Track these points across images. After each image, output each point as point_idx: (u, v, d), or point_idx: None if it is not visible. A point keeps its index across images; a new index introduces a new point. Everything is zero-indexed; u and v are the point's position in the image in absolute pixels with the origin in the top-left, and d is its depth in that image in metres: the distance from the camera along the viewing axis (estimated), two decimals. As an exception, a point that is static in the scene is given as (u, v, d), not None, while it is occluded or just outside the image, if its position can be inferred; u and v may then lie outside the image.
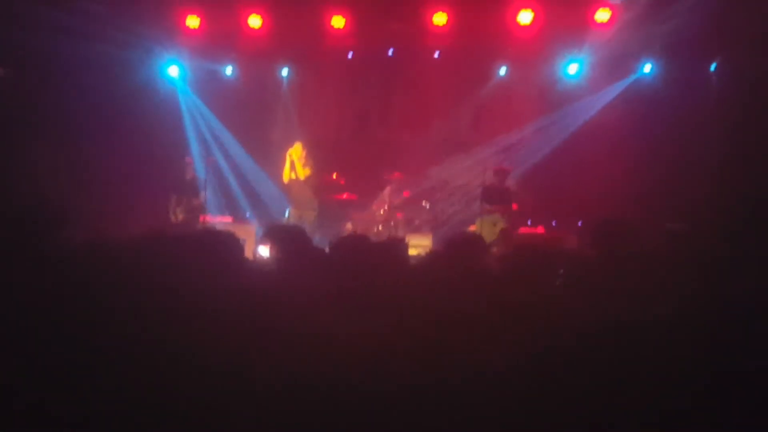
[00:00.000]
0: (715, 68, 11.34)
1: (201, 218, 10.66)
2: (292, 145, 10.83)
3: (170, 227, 9.97)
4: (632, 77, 11.69)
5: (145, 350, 2.62)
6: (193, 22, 11.18)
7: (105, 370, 2.57)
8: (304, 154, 10.69)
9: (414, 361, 2.70)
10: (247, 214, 12.09)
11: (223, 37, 11.53)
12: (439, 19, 10.86)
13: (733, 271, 3.73)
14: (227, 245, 3.71)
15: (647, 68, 11.59)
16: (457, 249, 3.93)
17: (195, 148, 12.23)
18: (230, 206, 12.15)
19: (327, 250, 3.96)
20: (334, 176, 11.89)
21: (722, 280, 3.63)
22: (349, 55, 12.01)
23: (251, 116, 12.39)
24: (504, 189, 10.77)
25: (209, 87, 12.42)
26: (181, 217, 10.59)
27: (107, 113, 10.81)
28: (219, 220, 11.20)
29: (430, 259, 4.10)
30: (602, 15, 10.69)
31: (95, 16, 10.38)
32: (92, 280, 3.11)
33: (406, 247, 4.09)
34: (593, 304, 3.28)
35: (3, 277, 3.06)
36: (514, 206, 10.71)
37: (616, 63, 11.55)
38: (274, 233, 4.04)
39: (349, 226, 11.44)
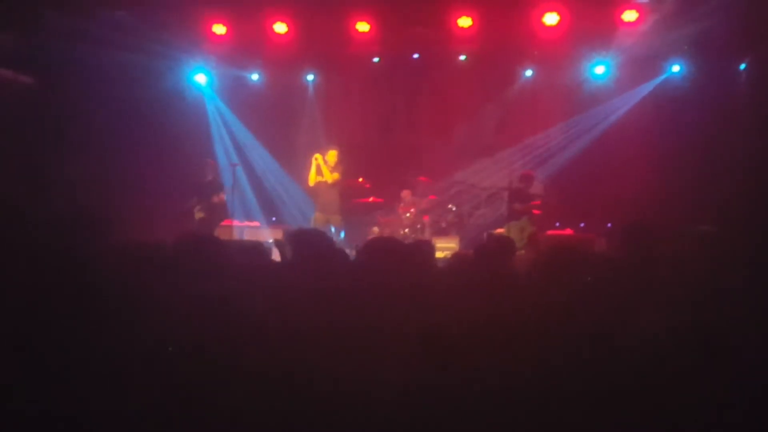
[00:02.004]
0: (745, 68, 11.19)
1: (227, 221, 10.71)
2: (318, 150, 10.86)
3: (191, 228, 9.98)
4: (660, 78, 11.59)
5: (177, 353, 2.65)
6: (219, 29, 11.27)
7: (138, 372, 2.60)
8: (336, 159, 10.68)
9: (441, 363, 2.70)
10: (273, 219, 12.15)
11: (249, 44, 11.61)
12: (464, 22, 10.83)
13: (764, 274, 3.68)
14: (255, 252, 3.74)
15: (675, 68, 11.48)
16: (488, 252, 3.91)
17: (222, 153, 12.33)
18: (257, 211, 12.24)
19: (354, 253, 3.97)
20: (360, 180, 11.91)
21: (753, 282, 3.58)
22: (375, 60, 12.04)
23: (277, 122, 12.48)
24: (530, 194, 10.72)
25: (236, 93, 12.53)
26: (200, 215, 10.56)
27: (135, 121, 10.93)
28: (246, 225, 11.29)
29: (460, 261, 4.09)
30: (629, 15, 10.59)
31: (122, 25, 10.51)
32: (124, 283, 3.15)
33: (433, 249, 4.09)
34: (623, 306, 3.25)
35: (40, 282, 3.10)
36: (536, 212, 10.63)
37: (644, 64, 11.45)
38: (295, 237, 4.06)
39: (375, 229, 11.47)
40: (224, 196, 10.73)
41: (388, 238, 4.40)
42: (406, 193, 11.62)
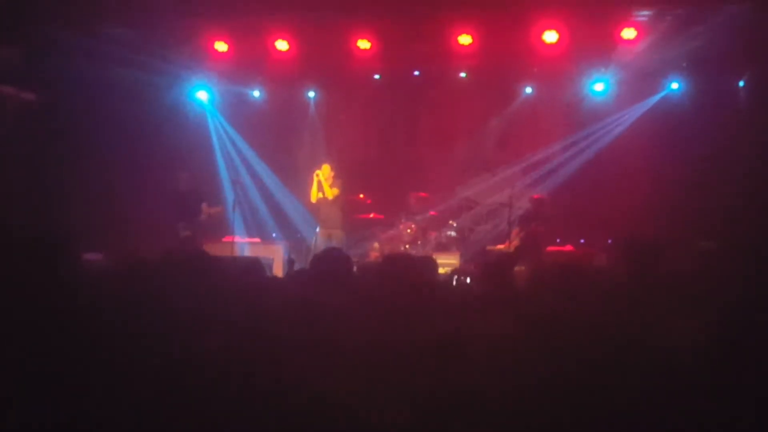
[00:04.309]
0: (744, 84, 11.24)
1: (228, 238, 10.71)
2: (319, 167, 10.91)
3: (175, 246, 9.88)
4: (660, 95, 11.65)
5: (164, 373, 2.65)
6: (221, 46, 11.33)
7: (119, 392, 2.60)
8: (332, 174, 10.77)
9: (442, 378, 2.70)
10: (274, 235, 12.16)
11: (250, 61, 11.67)
12: (464, 39, 10.89)
13: (765, 290, 3.69)
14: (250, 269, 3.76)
15: (674, 86, 11.54)
16: (490, 267, 3.93)
17: (223, 170, 12.37)
18: (258, 227, 12.25)
19: (355, 269, 3.99)
20: (361, 196, 11.95)
21: (753, 298, 3.59)
22: (375, 77, 12.10)
23: (279, 138, 12.53)
24: (542, 217, 10.80)
25: (237, 110, 12.59)
26: (186, 234, 10.43)
27: (136, 138, 10.96)
28: (247, 241, 11.29)
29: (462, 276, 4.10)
30: (628, 33, 10.65)
31: (124, 41, 10.57)
32: (113, 299, 3.16)
33: (436, 265, 4.10)
34: (623, 322, 3.26)
35: (26, 298, 3.11)
36: (535, 228, 10.69)
37: (643, 81, 11.52)
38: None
39: (376, 245, 11.49)
40: (216, 211, 10.69)
41: (388, 257, 4.42)
42: (414, 210, 11.68)
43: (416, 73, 12.13)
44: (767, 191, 9.79)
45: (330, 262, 3.82)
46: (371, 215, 11.81)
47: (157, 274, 3.66)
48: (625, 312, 3.48)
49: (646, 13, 10.46)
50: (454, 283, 4.41)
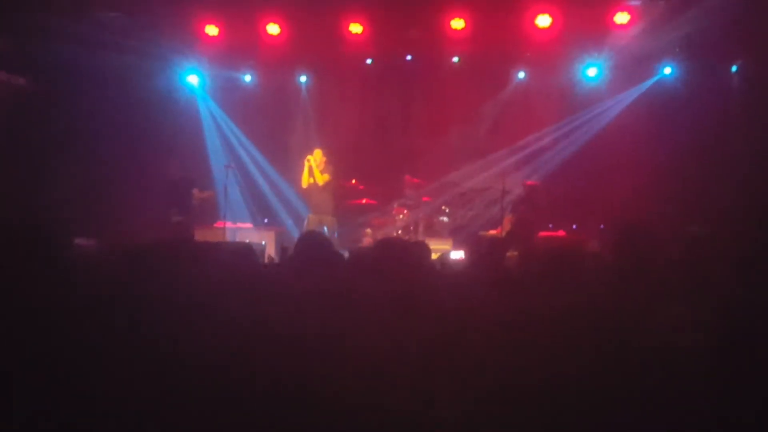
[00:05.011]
0: (737, 69, 11.23)
1: (219, 223, 10.68)
2: (311, 152, 10.87)
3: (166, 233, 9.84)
4: (652, 79, 11.62)
5: (157, 359, 2.64)
6: (212, 30, 11.25)
7: (114, 377, 2.59)
8: (324, 160, 10.74)
9: (437, 364, 2.69)
10: (266, 220, 12.13)
11: (242, 45, 11.60)
12: (457, 24, 10.84)
13: (756, 276, 3.70)
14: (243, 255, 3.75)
15: (667, 70, 11.52)
16: (482, 252, 3.92)
17: (214, 155, 12.30)
18: (250, 212, 12.22)
19: (347, 255, 3.97)
20: (354, 182, 11.92)
21: (745, 284, 3.60)
22: (368, 62, 12.04)
23: (270, 123, 12.46)
24: (535, 204, 10.81)
25: (229, 95, 12.51)
26: (177, 219, 10.32)
27: (127, 122, 10.91)
28: (239, 227, 11.26)
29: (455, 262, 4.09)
30: (621, 18, 10.62)
31: (114, 26, 10.49)
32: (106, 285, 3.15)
33: (429, 250, 4.09)
34: (614, 308, 3.26)
35: (17, 284, 3.09)
36: (527, 213, 10.70)
37: (636, 66, 11.48)
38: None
39: (368, 231, 11.47)
40: (207, 195, 10.66)
41: (384, 241, 4.40)
42: (407, 196, 11.67)
43: (409, 57, 12.08)
44: (760, 176, 9.81)
45: (309, 249, 3.80)
46: (363, 201, 11.79)
47: (148, 260, 3.65)
48: (616, 297, 3.48)
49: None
50: (439, 266, 4.39)
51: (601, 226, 10.72)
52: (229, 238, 10.59)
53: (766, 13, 9.64)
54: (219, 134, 12.56)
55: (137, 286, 3.28)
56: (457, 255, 5.32)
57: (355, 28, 11.04)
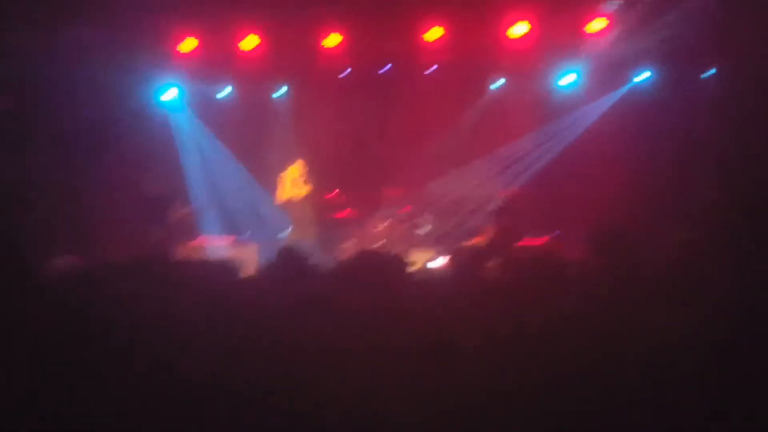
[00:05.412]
0: (713, 74, 11.33)
1: (201, 239, 10.61)
2: (291, 164, 10.84)
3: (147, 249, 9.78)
4: (629, 85, 11.70)
5: (130, 378, 2.61)
6: (189, 44, 11.20)
7: (96, 398, 2.55)
8: (304, 171, 10.71)
9: (418, 373, 2.67)
10: (248, 234, 12.04)
11: (219, 59, 11.55)
12: (434, 34, 10.87)
13: (738, 277, 3.71)
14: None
15: (644, 76, 11.59)
16: (464, 261, 3.91)
17: (193, 169, 12.20)
18: (231, 227, 12.11)
19: (328, 267, 3.95)
20: (335, 193, 11.88)
21: (726, 286, 3.61)
22: (346, 73, 12.03)
23: (250, 136, 12.39)
24: (516, 211, 10.83)
25: (207, 108, 12.42)
26: (155, 237, 10.32)
27: (103, 138, 10.83)
28: (219, 243, 11.17)
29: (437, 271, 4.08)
30: (597, 24, 10.69)
31: (90, 42, 10.41)
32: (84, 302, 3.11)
33: (408, 262, 4.07)
34: (598, 313, 3.25)
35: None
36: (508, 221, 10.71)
37: (613, 72, 11.56)
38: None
39: (349, 243, 11.43)
40: (186, 212, 10.60)
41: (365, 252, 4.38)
42: (388, 206, 11.65)
43: (386, 68, 12.09)
44: (740, 180, 9.90)
45: (290, 261, 3.78)
46: (346, 212, 11.75)
47: (125, 279, 3.61)
48: (599, 303, 3.47)
49: (616, 2, 10.51)
50: (420, 277, 4.38)
51: (583, 232, 10.75)
52: (210, 253, 10.50)
53: (741, 19, 9.75)
54: (198, 147, 12.46)
55: (113, 305, 3.24)
56: (438, 264, 5.31)
57: (333, 40, 11.04)
